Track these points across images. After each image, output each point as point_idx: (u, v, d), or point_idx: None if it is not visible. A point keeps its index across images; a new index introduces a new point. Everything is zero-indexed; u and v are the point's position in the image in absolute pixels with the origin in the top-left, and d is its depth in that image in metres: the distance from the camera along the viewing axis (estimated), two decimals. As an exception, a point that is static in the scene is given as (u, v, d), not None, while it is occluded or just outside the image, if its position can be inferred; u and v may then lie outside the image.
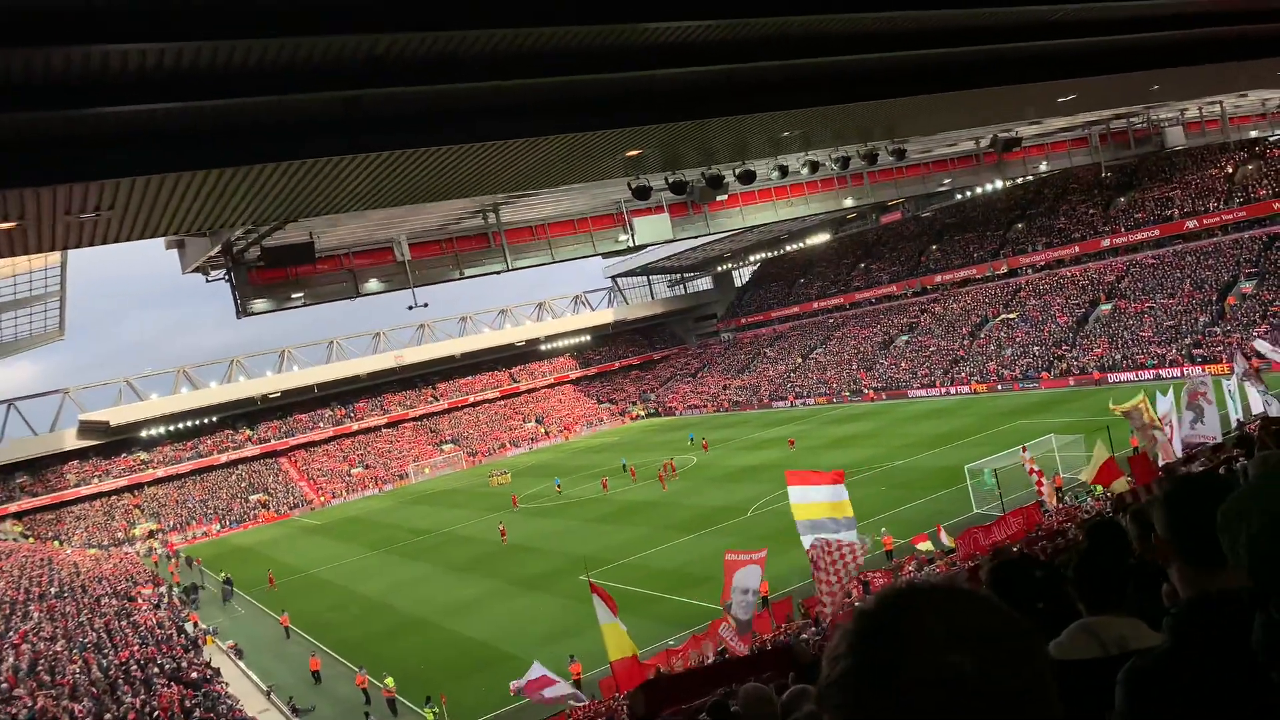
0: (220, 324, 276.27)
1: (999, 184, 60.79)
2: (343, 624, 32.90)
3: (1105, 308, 55.66)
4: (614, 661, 18.23)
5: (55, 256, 37.25)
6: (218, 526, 68.10)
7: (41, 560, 47.81)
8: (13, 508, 66.76)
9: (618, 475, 52.62)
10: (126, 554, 58.13)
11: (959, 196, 73.44)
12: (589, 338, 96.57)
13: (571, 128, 11.38)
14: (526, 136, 11.15)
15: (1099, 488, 23.61)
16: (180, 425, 76.02)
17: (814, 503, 21.19)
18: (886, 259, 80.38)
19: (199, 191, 10.44)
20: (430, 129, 10.31)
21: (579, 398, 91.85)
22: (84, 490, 70.15)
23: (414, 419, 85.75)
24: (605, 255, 55.46)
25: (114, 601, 36.34)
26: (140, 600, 37.40)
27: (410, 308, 32.05)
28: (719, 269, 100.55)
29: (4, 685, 23.75)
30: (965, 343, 62.44)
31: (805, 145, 22.04)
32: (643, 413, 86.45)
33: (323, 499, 72.49)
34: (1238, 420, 23.23)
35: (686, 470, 50.40)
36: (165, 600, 39.16)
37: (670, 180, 22.03)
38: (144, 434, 74.72)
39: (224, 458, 76.38)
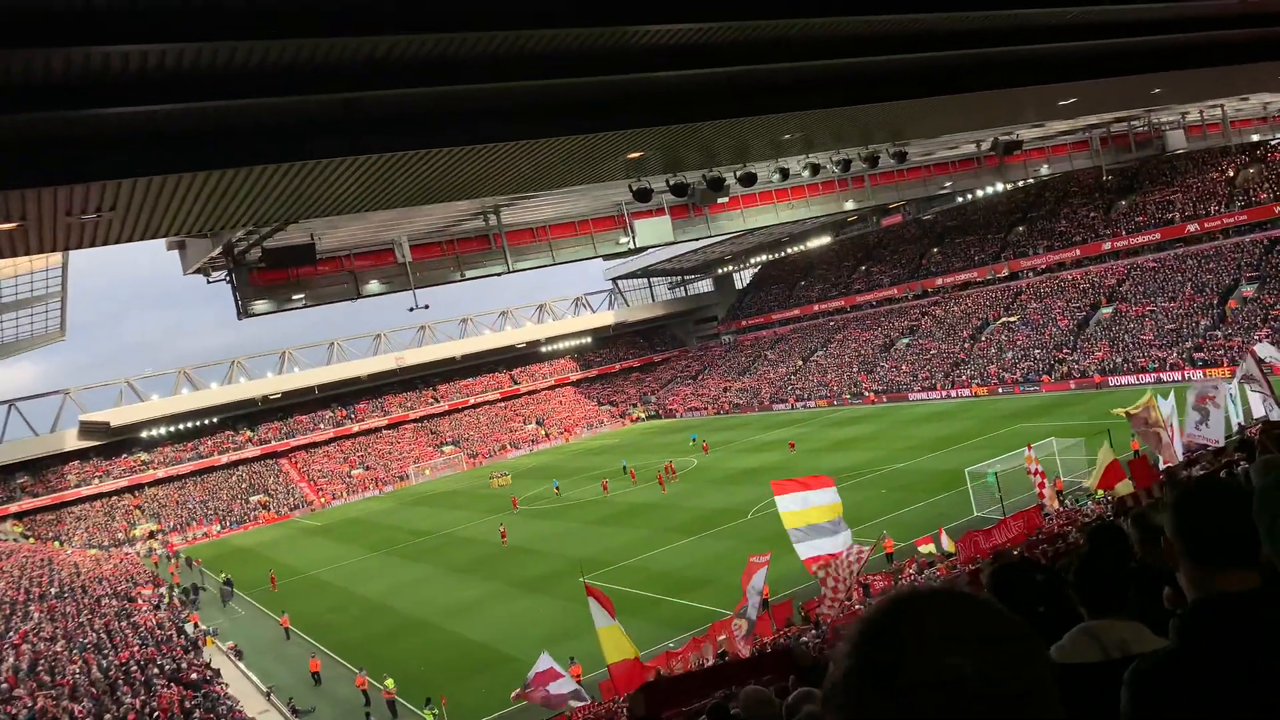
0: (221, 325, 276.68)
1: (1000, 187, 60.75)
2: (343, 625, 32.88)
3: (1106, 311, 55.66)
4: (612, 665, 18.20)
5: (56, 257, 37.28)
6: (218, 527, 68.10)
7: (42, 560, 47.81)
8: (13, 508, 66.78)
9: (618, 477, 52.61)
10: (127, 555, 58.13)
11: (960, 199, 73.49)
12: (590, 340, 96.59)
13: (572, 130, 11.38)
14: (527, 139, 11.15)
15: (1100, 492, 23.58)
16: (181, 426, 76.04)
17: (804, 509, 21.31)
18: (887, 262, 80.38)
19: (200, 193, 10.44)
20: (431, 131, 10.31)
21: (579, 400, 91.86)
22: (84, 491, 70.16)
23: (414, 420, 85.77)
24: (606, 257, 55.51)
25: (114, 602, 36.34)
26: (140, 601, 37.40)
27: (411, 309, 32.09)
28: (720, 271, 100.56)
29: (4, 685, 23.74)
30: (966, 346, 62.44)
31: (806, 148, 22.03)
32: (643, 415, 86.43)
33: (323, 500, 72.49)
34: (1238, 424, 23.20)
35: (687, 472, 50.39)
36: (165, 601, 39.17)
37: (671, 182, 22.04)
38: (145, 435, 74.74)
39: (224, 459, 76.40)
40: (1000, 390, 54.93)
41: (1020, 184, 63.79)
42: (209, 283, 27.05)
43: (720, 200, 27.41)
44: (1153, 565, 3.18)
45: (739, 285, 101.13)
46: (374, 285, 30.88)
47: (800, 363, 77.34)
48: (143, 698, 22.86)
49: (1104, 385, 48.55)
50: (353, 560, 45.57)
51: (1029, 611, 2.70)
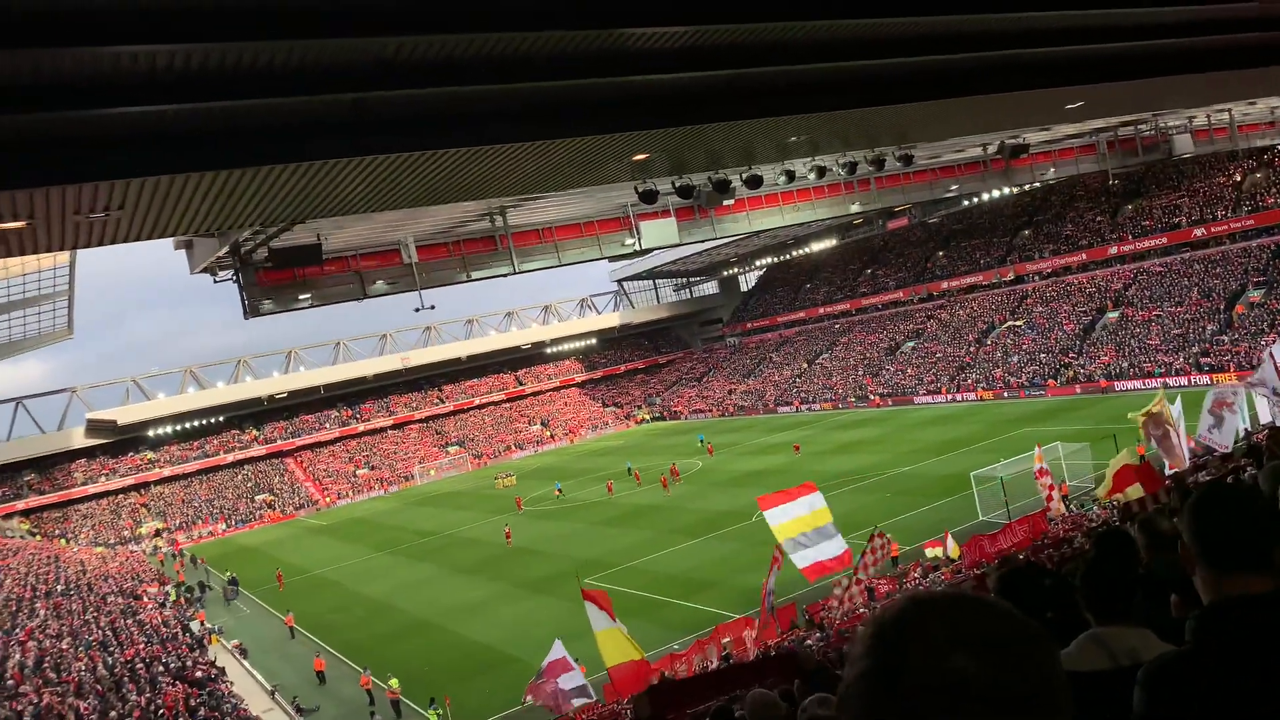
0: (227, 324, 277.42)
1: (1006, 190, 60.59)
2: (347, 625, 32.93)
3: (1112, 315, 55.49)
4: (611, 668, 18.15)
5: (64, 256, 37.45)
6: (223, 526, 68.28)
7: (48, 558, 47.98)
8: (20, 505, 67.06)
9: (623, 479, 52.61)
10: (132, 553, 58.32)
11: (966, 203, 73.23)
12: (595, 341, 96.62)
13: (578, 132, 11.39)
14: (533, 140, 11.15)
15: (1106, 499, 23.48)
16: (187, 425, 76.27)
17: (792, 519, 21.39)
18: (893, 265, 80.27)
19: (207, 192, 10.46)
20: (437, 132, 10.32)
21: (584, 401, 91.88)
22: (91, 489, 70.41)
23: (420, 420, 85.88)
24: (612, 259, 55.47)
25: (120, 600, 36.45)
26: (146, 599, 37.51)
27: (417, 310, 32.08)
28: (725, 273, 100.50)
29: (10, 682, 23.83)
30: (971, 349, 62.32)
31: (812, 150, 21.99)
32: (648, 417, 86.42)
33: (328, 499, 72.61)
34: (1245, 430, 23.11)
35: (691, 474, 50.37)
36: (171, 599, 39.28)
37: (677, 185, 22.02)
38: (151, 433, 74.98)
39: (230, 457, 76.60)
40: (1005, 394, 54.80)
41: (1026, 187, 63.65)
42: (215, 282, 27.12)
43: (726, 202, 27.40)
44: (1160, 571, 3.17)
45: (744, 287, 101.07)
46: (380, 285, 30.93)
47: (805, 365, 77.26)
48: (148, 695, 22.93)
49: (1110, 390, 48.41)
50: (357, 560, 45.64)
51: (1036, 617, 2.69)
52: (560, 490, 53.18)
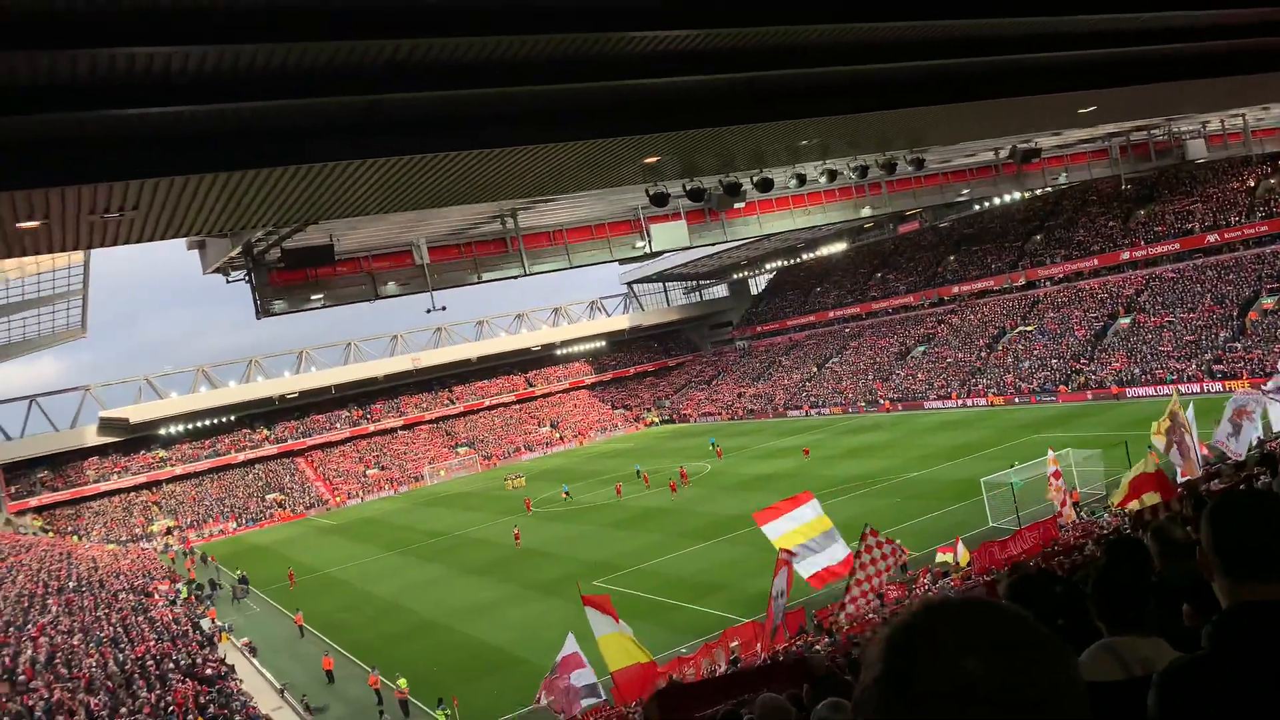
0: (239, 324, 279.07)
1: (1018, 195, 60.35)
2: (356, 624, 33.01)
3: (1124, 321, 55.18)
4: (615, 672, 18.08)
5: (78, 255, 37.70)
6: (234, 525, 68.57)
7: (60, 554, 48.28)
8: (33, 502, 67.57)
9: (632, 481, 52.58)
10: (144, 550, 58.64)
11: (977, 207, 72.96)
12: (605, 343, 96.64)
13: (590, 134, 11.41)
14: (545, 143, 11.18)
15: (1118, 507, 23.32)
16: (199, 424, 76.67)
17: (791, 530, 21.28)
18: (903, 269, 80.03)
19: (220, 193, 10.52)
20: (449, 133, 10.36)
21: (594, 403, 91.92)
22: (103, 486, 70.87)
23: (430, 421, 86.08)
24: (622, 261, 55.48)
25: (131, 597, 36.64)
26: (157, 596, 37.70)
27: (428, 311, 32.17)
28: (735, 276, 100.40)
29: (22, 677, 23.99)
30: (982, 354, 62.07)
31: (824, 154, 21.97)
32: (657, 419, 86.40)
33: (338, 499, 72.85)
34: (1258, 438, 22.97)
35: (700, 478, 50.31)
36: (182, 597, 39.46)
37: (688, 187, 22.02)
38: (163, 432, 75.38)
39: (241, 457, 76.94)
40: (1016, 400, 54.56)
41: (1038, 192, 63.40)
42: (228, 282, 27.26)
43: (737, 205, 27.34)
44: (1172, 579, 3.15)
45: (754, 291, 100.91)
46: (392, 287, 31.02)
47: (815, 369, 77.09)
48: (158, 692, 23.05)
49: (1121, 396, 48.13)
50: (367, 560, 45.77)
51: (1047, 624, 2.68)
52: (567, 493, 53.19)
